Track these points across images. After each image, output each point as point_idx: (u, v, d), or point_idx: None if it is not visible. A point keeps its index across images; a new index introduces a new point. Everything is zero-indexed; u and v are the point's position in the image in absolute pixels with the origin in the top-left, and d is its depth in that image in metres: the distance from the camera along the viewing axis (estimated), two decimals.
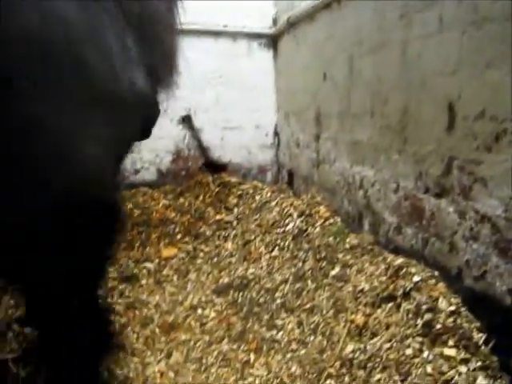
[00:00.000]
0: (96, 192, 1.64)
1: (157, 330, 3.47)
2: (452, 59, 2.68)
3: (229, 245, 4.52)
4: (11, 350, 2.77)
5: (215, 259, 4.40)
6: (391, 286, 2.77)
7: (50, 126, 1.39)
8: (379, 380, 2.38)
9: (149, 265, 4.38)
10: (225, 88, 5.98)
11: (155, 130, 5.58)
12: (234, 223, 4.87)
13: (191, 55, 5.73)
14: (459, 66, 2.64)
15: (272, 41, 6.09)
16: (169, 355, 3.22)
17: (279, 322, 3.30)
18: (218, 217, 5.00)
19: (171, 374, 2.99)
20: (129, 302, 3.80)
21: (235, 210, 5.07)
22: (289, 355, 2.98)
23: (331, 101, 4.30)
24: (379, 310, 2.74)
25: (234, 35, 6.03)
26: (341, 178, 4.10)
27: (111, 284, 4.06)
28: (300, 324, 3.16)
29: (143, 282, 4.14)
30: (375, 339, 2.60)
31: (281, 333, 3.20)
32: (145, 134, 1.87)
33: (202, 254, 4.53)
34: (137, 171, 5.76)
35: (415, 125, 3.05)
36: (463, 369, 2.19)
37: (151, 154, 5.76)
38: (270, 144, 6.15)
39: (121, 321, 3.53)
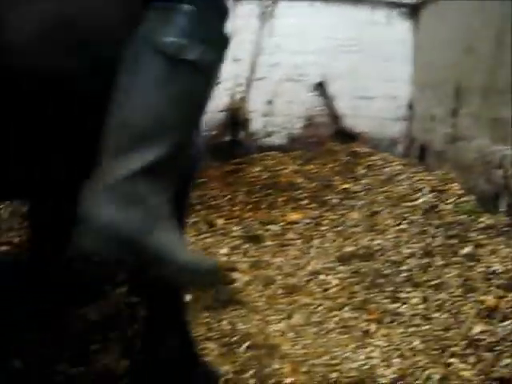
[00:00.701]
0: None
1: (279, 291, 3.53)
2: None
3: (355, 214, 4.49)
4: None
5: (340, 227, 4.39)
6: None
7: None
8: (507, 365, 2.31)
9: (274, 227, 4.44)
10: (360, 57, 5.86)
11: (288, 95, 5.65)
12: (362, 193, 4.82)
13: (328, 22, 5.74)
14: None
15: (413, 11, 5.89)
16: (289, 316, 3.26)
17: (403, 296, 3.24)
18: (345, 186, 4.97)
19: (291, 335, 3.04)
20: (252, 262, 3.88)
21: (363, 180, 5.02)
22: (411, 329, 2.93)
23: (474, 75, 4.14)
24: None
25: (374, 3, 5.89)
26: (478, 156, 3.95)
27: (236, 242, 4.17)
28: (425, 299, 3.10)
29: (267, 243, 4.22)
30: (506, 322, 2.52)
31: (404, 306, 3.15)
32: None
33: (326, 222, 4.53)
34: (268, 135, 5.82)
35: None
36: None
37: (283, 119, 5.79)
38: (404, 116, 5.98)
39: (244, 279, 3.62)
